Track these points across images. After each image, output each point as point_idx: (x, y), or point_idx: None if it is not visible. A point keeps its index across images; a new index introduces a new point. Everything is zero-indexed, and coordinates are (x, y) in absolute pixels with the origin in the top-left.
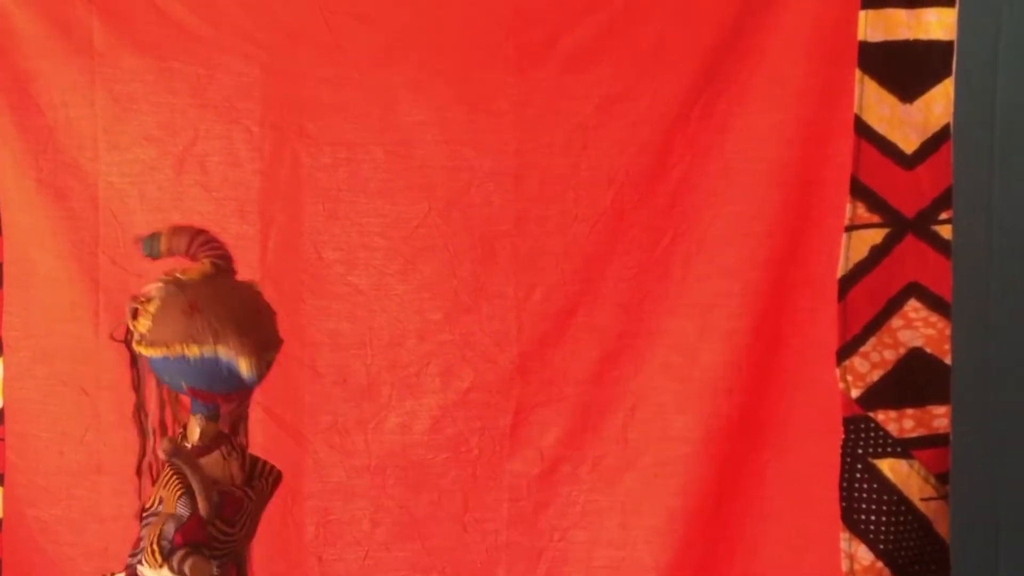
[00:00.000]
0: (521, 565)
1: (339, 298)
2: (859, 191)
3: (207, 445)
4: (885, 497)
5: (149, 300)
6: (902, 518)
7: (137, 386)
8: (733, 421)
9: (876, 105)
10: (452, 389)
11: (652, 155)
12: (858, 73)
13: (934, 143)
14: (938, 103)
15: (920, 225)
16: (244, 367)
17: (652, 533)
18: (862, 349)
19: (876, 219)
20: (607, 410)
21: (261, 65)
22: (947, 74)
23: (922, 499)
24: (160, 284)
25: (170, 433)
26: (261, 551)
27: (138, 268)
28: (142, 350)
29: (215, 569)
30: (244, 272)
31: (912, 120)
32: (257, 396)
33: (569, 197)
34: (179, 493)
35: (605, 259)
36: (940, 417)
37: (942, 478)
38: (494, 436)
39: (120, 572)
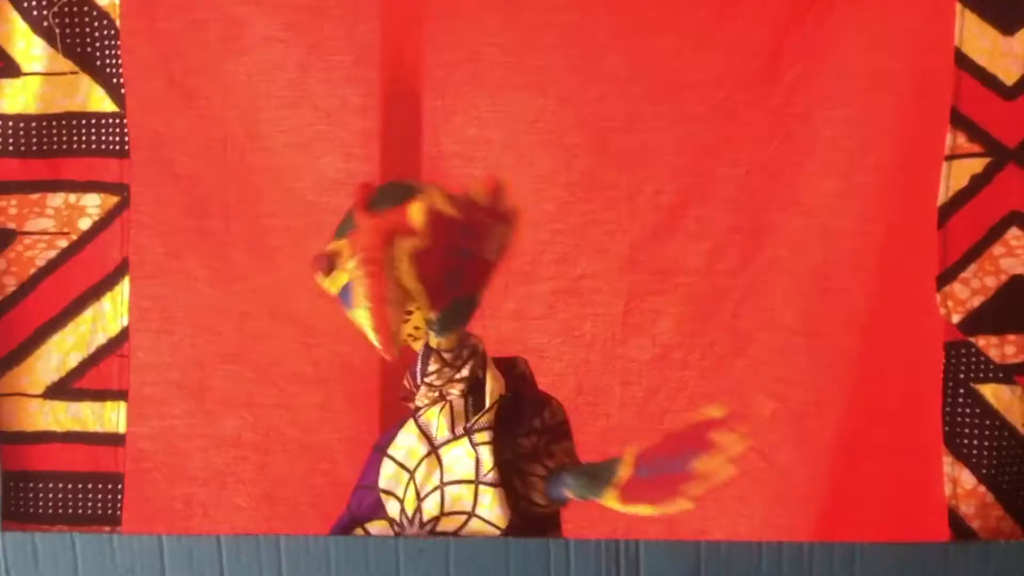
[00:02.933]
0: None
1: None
2: (959, 121)
3: None
4: (988, 422)
5: None
6: (1005, 443)
7: None
8: (839, 318)
9: (977, 37)
10: (565, 276)
11: (764, 58)
12: (958, 6)
13: None
14: None
15: (1021, 155)
16: None
17: None
18: (962, 275)
19: (977, 148)
20: (717, 300)
21: None
22: None
23: None
24: None
25: None
26: None
27: (266, 164)
28: None
29: None
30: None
31: (1013, 52)
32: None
33: (680, 96)
34: None
35: (715, 156)
36: None
37: None
38: (606, 322)
39: None
